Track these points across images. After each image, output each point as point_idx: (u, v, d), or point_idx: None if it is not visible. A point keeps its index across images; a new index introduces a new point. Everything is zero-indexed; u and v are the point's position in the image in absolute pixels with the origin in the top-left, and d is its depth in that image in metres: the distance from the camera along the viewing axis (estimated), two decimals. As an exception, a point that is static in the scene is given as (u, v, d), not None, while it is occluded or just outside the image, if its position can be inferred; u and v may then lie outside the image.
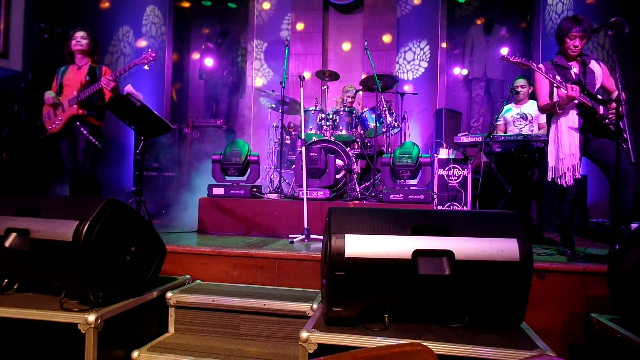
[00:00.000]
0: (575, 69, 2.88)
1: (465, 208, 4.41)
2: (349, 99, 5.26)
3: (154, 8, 6.67)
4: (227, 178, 4.22)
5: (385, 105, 4.65)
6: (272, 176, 5.09)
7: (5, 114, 4.55)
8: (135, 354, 2.06)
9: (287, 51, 4.68)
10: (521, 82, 4.41)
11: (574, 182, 2.82)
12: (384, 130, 4.75)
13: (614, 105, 2.66)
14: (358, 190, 4.31)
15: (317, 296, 2.33)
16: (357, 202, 4.01)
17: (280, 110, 4.58)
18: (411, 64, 6.58)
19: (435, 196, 4.35)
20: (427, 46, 6.50)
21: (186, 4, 7.30)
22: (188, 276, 2.69)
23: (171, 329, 2.34)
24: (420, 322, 1.85)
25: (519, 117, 4.37)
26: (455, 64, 6.76)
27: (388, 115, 4.64)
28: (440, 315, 1.86)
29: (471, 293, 1.77)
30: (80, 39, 3.60)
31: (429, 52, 6.49)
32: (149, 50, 3.38)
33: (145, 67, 3.40)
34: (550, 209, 4.34)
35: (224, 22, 7.32)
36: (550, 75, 2.80)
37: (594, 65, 2.88)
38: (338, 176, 4.34)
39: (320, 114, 4.80)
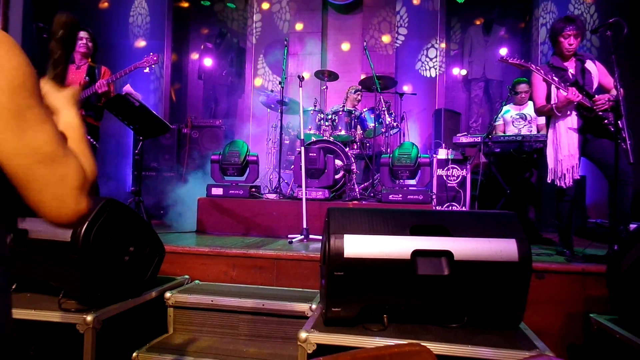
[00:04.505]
0: (572, 70, 2.88)
1: (464, 208, 4.41)
2: (358, 99, 5.30)
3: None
4: (226, 178, 4.21)
5: (384, 106, 4.65)
6: (271, 176, 5.09)
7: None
8: (134, 354, 2.05)
9: (286, 51, 4.67)
10: (525, 87, 4.31)
11: (573, 182, 2.82)
12: (383, 130, 4.75)
13: (599, 97, 2.68)
14: (357, 190, 4.31)
15: (316, 296, 2.33)
16: (356, 202, 4.00)
17: (279, 111, 4.57)
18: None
19: (434, 196, 4.35)
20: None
21: (185, 4, 7.29)
22: (187, 276, 2.68)
23: (170, 329, 2.34)
24: (419, 322, 1.85)
25: (518, 117, 4.37)
26: (454, 64, 6.76)
27: (387, 116, 4.64)
28: (439, 315, 1.85)
29: (470, 293, 1.77)
30: (86, 42, 3.60)
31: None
32: (151, 53, 3.37)
33: (146, 70, 3.41)
34: (549, 210, 4.34)
35: (223, 22, 7.31)
36: (549, 77, 2.80)
37: (590, 65, 2.88)
38: (337, 176, 4.34)
39: (319, 114, 4.80)
